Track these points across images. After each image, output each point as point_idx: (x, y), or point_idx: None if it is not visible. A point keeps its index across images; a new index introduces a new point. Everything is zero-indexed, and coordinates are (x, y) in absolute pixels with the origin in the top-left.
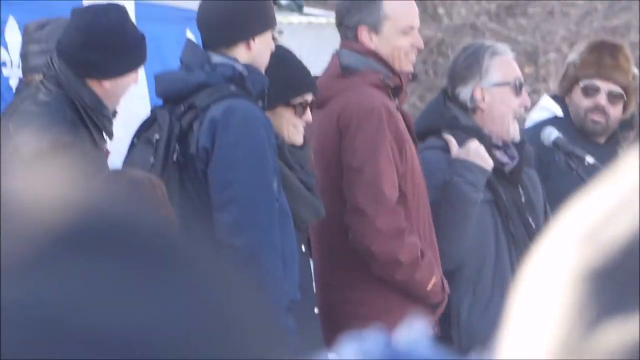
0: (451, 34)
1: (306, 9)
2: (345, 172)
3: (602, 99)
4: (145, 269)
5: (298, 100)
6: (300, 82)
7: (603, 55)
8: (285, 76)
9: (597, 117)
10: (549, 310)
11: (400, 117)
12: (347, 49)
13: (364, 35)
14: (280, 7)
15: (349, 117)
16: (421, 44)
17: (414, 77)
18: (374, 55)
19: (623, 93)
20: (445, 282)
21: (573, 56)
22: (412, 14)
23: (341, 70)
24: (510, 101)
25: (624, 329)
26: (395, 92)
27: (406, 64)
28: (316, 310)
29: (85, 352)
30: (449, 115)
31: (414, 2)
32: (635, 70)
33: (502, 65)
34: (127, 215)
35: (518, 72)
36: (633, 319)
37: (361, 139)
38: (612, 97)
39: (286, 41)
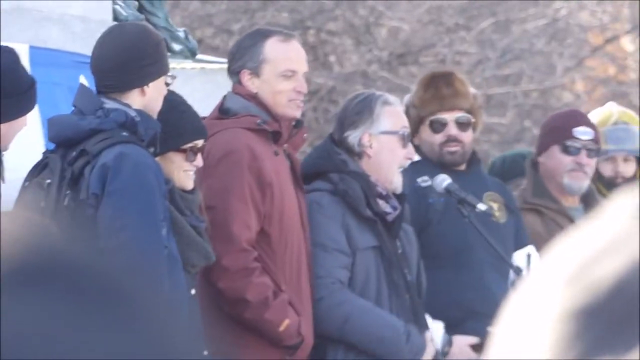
0: (342, 81)
1: (199, 55)
2: (204, 211)
3: (452, 130)
4: (90, 303)
5: (189, 145)
6: (191, 128)
7: (439, 88)
8: (176, 122)
9: (453, 148)
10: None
11: (280, 161)
12: (234, 92)
13: (246, 79)
14: (173, 52)
15: (210, 157)
16: (304, 88)
17: (299, 123)
18: (255, 99)
19: (470, 117)
20: (307, 326)
21: (407, 98)
22: (293, 58)
23: (219, 113)
24: (397, 151)
25: None
26: (276, 137)
27: (289, 109)
28: (205, 352)
29: None
30: (338, 159)
31: (299, 47)
32: (473, 90)
33: (392, 114)
34: (62, 249)
35: (406, 124)
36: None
37: (216, 179)
38: (461, 125)
39: (179, 87)
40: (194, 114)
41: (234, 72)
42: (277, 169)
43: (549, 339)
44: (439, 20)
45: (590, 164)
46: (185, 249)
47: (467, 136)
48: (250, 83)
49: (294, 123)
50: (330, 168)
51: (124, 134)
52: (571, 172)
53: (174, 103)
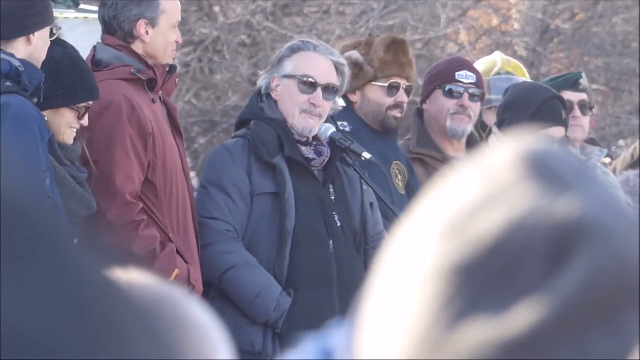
0: (227, 32)
1: (82, 5)
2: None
3: (403, 96)
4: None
5: (83, 105)
6: (88, 88)
7: (398, 54)
8: (76, 80)
9: (398, 113)
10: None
11: (158, 108)
12: (104, 43)
13: (142, 28)
14: (56, 2)
15: (90, 111)
16: (180, 39)
17: (172, 68)
18: (127, 49)
19: (411, 86)
20: (196, 273)
21: (356, 55)
22: (179, 9)
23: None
24: (295, 95)
25: (489, 326)
26: (151, 84)
27: (169, 59)
28: None
29: None
30: (257, 107)
31: None
32: None
33: (300, 59)
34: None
35: (314, 70)
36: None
37: (97, 132)
38: (407, 93)
39: (62, 37)
40: (91, 73)
41: (127, 21)
42: (155, 117)
43: (426, 296)
44: None
45: (473, 107)
46: (67, 199)
47: (406, 105)
48: (145, 32)
49: (167, 69)
50: (251, 115)
51: (8, 84)
52: (454, 115)
53: (75, 60)
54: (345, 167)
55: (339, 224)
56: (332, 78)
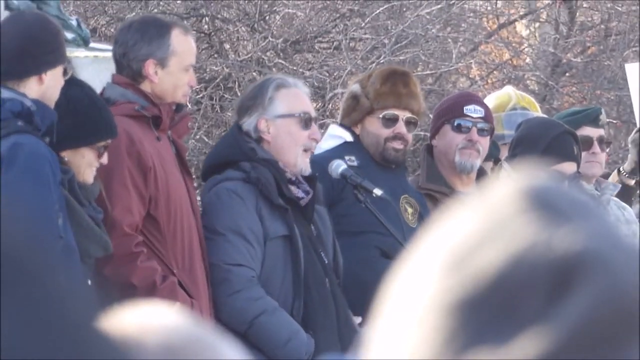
0: (238, 69)
1: (92, 44)
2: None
3: (402, 128)
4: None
5: (102, 143)
6: (107, 126)
7: (397, 85)
8: (95, 119)
9: (398, 145)
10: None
11: (163, 147)
12: (113, 82)
13: (150, 68)
14: (66, 41)
15: None
16: (195, 82)
17: (179, 107)
18: (133, 87)
19: (417, 119)
20: (204, 309)
21: (357, 87)
22: (194, 52)
23: None
24: (296, 133)
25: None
26: (157, 122)
27: (181, 100)
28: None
29: None
30: (247, 147)
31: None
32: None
33: (288, 97)
34: None
35: (306, 105)
36: (501, 349)
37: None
38: (408, 124)
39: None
40: (109, 111)
41: (133, 60)
42: (159, 153)
43: (429, 332)
44: (333, 7)
45: (481, 141)
46: (84, 240)
47: (410, 137)
48: (154, 73)
49: (174, 107)
50: (240, 157)
51: (19, 123)
52: (462, 150)
53: (93, 99)
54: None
55: (326, 261)
56: (313, 110)
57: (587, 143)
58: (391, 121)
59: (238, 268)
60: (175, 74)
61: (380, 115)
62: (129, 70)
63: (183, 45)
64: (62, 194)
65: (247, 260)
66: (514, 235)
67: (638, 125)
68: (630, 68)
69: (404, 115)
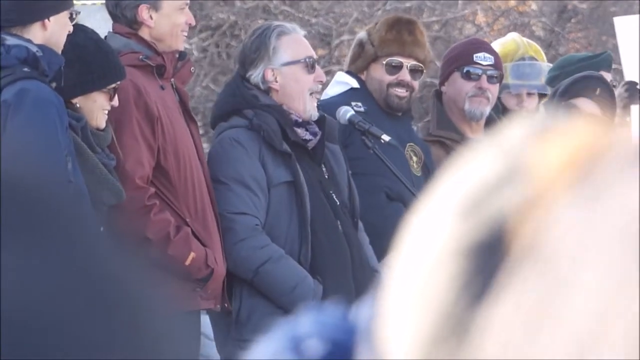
0: (244, 16)
1: None
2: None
3: (405, 75)
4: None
5: (112, 86)
6: (115, 69)
7: (401, 33)
8: (103, 63)
9: (402, 92)
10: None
11: (167, 95)
12: (113, 32)
13: (144, 13)
14: None
15: None
16: (193, 21)
17: (182, 55)
18: (136, 36)
19: (422, 67)
20: (217, 256)
21: (363, 35)
22: None
23: None
24: (303, 79)
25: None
26: (161, 71)
27: (181, 41)
28: None
29: None
30: (249, 95)
31: None
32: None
33: (291, 43)
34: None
35: (308, 50)
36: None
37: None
38: (414, 72)
39: (81, 22)
40: (115, 53)
41: (126, 7)
42: (164, 103)
43: (446, 275)
44: None
45: (491, 89)
46: (98, 187)
47: (416, 85)
48: (148, 17)
49: (177, 55)
50: (243, 104)
51: (25, 69)
52: (472, 98)
53: (98, 43)
54: (330, 143)
55: (338, 203)
56: (314, 53)
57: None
58: (395, 68)
59: (242, 217)
60: (170, 15)
61: (384, 62)
62: (123, 19)
63: None
64: (70, 139)
65: (250, 208)
66: (529, 178)
67: (624, 80)
68: (620, 21)
69: (408, 62)
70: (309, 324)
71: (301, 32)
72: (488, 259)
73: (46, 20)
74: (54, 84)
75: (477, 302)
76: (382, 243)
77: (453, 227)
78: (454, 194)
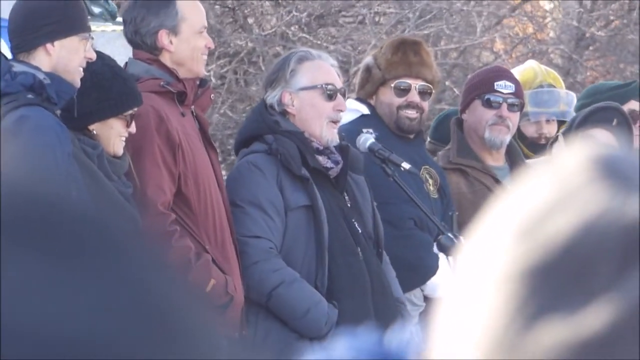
0: (262, 43)
1: (119, 18)
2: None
3: (414, 96)
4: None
5: (129, 112)
6: (132, 95)
7: (407, 54)
8: (120, 89)
9: (412, 114)
10: (485, 307)
11: (188, 122)
12: (135, 58)
13: (164, 38)
14: (93, 15)
15: None
16: (212, 44)
17: (203, 82)
18: (157, 62)
19: (431, 87)
20: (236, 284)
21: (370, 59)
22: (203, 14)
23: None
24: (320, 105)
25: (563, 327)
26: (181, 98)
27: (202, 65)
28: None
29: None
30: (270, 120)
31: (199, 2)
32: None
33: (311, 69)
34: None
35: (329, 77)
36: (573, 317)
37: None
38: (422, 93)
39: (100, 49)
40: (132, 79)
41: (146, 35)
42: (184, 129)
43: (501, 298)
44: None
45: (511, 117)
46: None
47: (426, 105)
48: (169, 42)
49: (198, 82)
50: (264, 130)
51: (29, 96)
52: (492, 126)
53: (115, 69)
54: (354, 174)
55: (359, 231)
56: (340, 82)
57: (635, 116)
58: (403, 90)
59: (256, 240)
60: (189, 39)
61: (392, 85)
62: (144, 46)
63: (190, 9)
64: (76, 168)
65: (265, 231)
66: (585, 203)
67: None
68: None
69: (416, 83)
70: (344, 350)
71: (329, 60)
72: (541, 282)
73: (49, 45)
74: (58, 112)
75: (529, 326)
76: (410, 274)
77: (508, 252)
78: (509, 218)
